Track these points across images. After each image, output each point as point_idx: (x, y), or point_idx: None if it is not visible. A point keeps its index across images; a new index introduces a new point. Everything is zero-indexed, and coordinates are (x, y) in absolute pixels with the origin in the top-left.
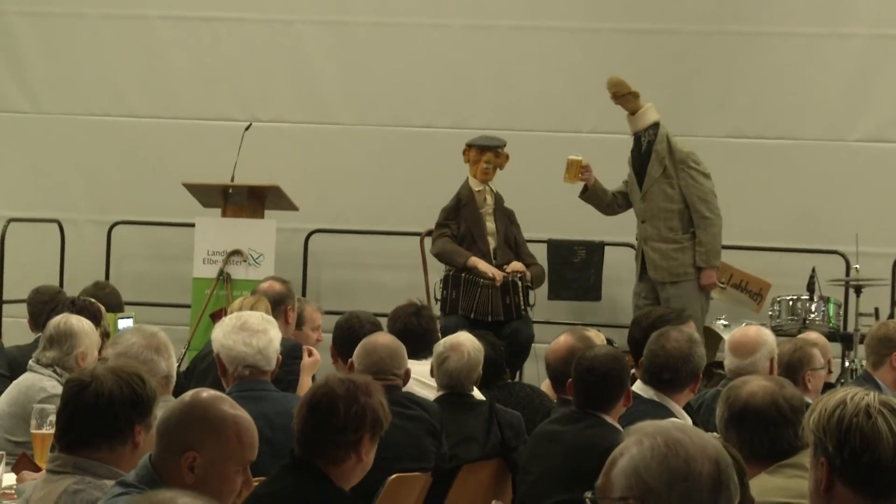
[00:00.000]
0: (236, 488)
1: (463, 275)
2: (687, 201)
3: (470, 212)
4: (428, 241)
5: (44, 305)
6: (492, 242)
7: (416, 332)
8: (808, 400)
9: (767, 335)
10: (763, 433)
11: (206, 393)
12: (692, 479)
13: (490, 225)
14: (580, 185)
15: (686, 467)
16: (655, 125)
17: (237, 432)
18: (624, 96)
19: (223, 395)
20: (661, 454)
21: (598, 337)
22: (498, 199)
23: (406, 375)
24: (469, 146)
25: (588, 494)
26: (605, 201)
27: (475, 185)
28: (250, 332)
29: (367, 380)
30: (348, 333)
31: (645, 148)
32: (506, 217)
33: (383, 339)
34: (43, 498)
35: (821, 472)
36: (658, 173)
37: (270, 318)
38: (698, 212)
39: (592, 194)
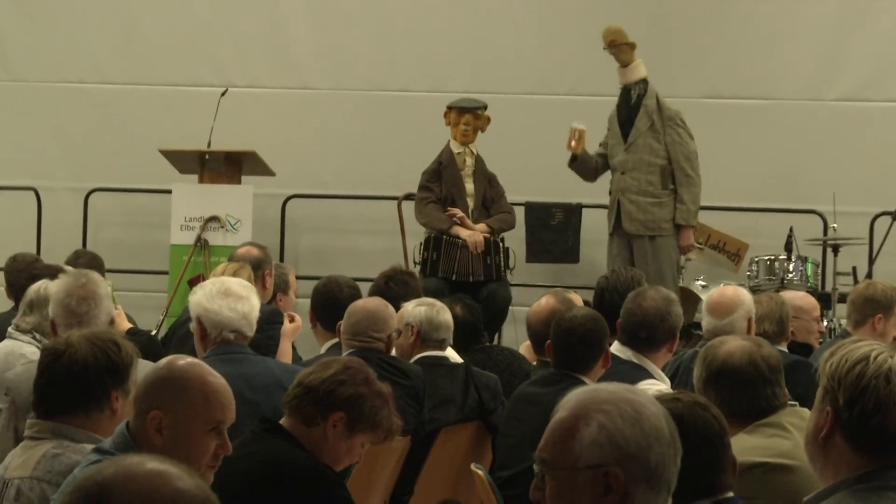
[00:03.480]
0: (207, 451)
1: (444, 237)
2: (671, 158)
3: (450, 174)
4: (406, 205)
5: (20, 273)
6: (470, 204)
7: (385, 296)
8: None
9: (745, 295)
10: (741, 392)
11: (180, 359)
12: (661, 437)
13: (469, 186)
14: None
15: (655, 428)
16: (645, 81)
17: (203, 391)
18: (620, 45)
19: (197, 360)
20: (632, 419)
21: (578, 300)
22: (478, 162)
23: (390, 340)
24: (449, 108)
25: (537, 467)
26: (591, 166)
27: (455, 148)
28: (235, 297)
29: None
30: (327, 298)
31: (635, 101)
32: (485, 179)
33: (370, 303)
34: (22, 464)
35: (823, 419)
36: (645, 127)
37: (250, 284)
38: (682, 169)
39: (581, 163)
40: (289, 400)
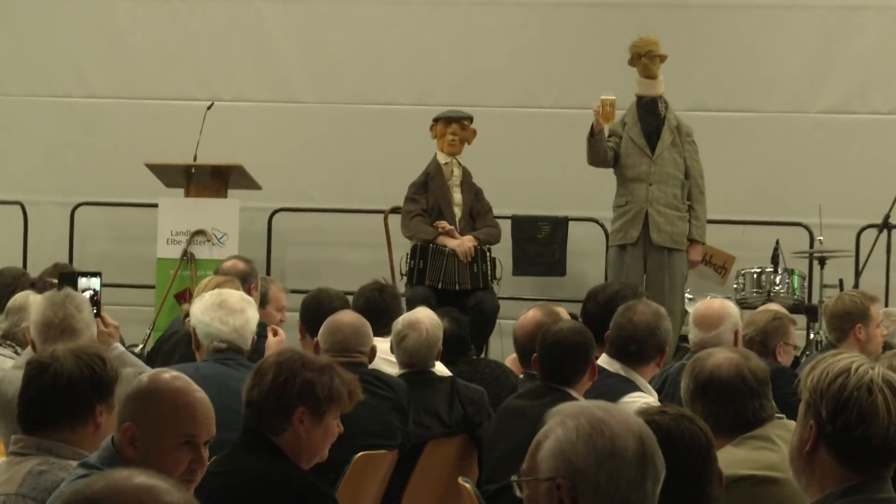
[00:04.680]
0: (179, 464)
1: (430, 245)
2: (689, 173)
3: (437, 185)
4: (392, 219)
5: (6, 287)
6: (458, 213)
7: (378, 307)
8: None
9: (731, 308)
10: (728, 404)
11: (164, 372)
12: (618, 456)
13: (457, 196)
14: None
15: (611, 445)
16: (663, 96)
17: (174, 404)
18: (655, 57)
19: (179, 374)
20: (585, 434)
21: (565, 314)
22: (466, 174)
23: (372, 353)
24: (436, 120)
25: (515, 478)
26: (604, 147)
27: (442, 159)
28: (228, 310)
29: (320, 358)
30: (317, 309)
31: (664, 114)
32: (472, 191)
33: (348, 316)
34: (7, 480)
35: (807, 433)
36: (669, 140)
37: (250, 298)
38: (698, 186)
39: (600, 140)
40: (247, 422)
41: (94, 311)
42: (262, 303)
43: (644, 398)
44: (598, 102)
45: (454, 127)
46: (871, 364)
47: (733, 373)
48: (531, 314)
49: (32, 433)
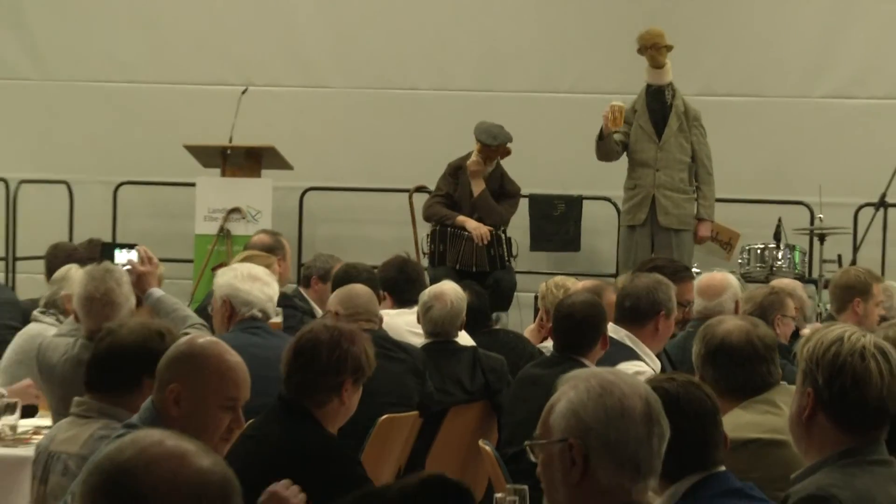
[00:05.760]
0: (221, 425)
1: (449, 229)
2: (696, 156)
3: (466, 180)
4: (416, 197)
5: (59, 261)
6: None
7: (410, 276)
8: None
9: (732, 279)
10: (738, 369)
11: (199, 337)
12: (627, 415)
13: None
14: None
15: (621, 405)
16: (671, 83)
17: (219, 368)
18: (662, 48)
19: (216, 339)
20: (596, 394)
21: (611, 294)
22: (494, 175)
23: (380, 321)
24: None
25: (528, 442)
26: (613, 147)
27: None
28: (263, 282)
29: (352, 328)
30: (347, 283)
31: (671, 101)
32: (497, 183)
33: (360, 286)
34: (70, 439)
35: (805, 400)
36: (676, 126)
37: (272, 273)
38: (705, 167)
39: (607, 141)
40: (289, 394)
41: (128, 264)
42: (325, 279)
43: (636, 367)
44: (608, 108)
45: (478, 148)
46: (862, 332)
47: (743, 339)
48: (581, 287)
49: (94, 396)
